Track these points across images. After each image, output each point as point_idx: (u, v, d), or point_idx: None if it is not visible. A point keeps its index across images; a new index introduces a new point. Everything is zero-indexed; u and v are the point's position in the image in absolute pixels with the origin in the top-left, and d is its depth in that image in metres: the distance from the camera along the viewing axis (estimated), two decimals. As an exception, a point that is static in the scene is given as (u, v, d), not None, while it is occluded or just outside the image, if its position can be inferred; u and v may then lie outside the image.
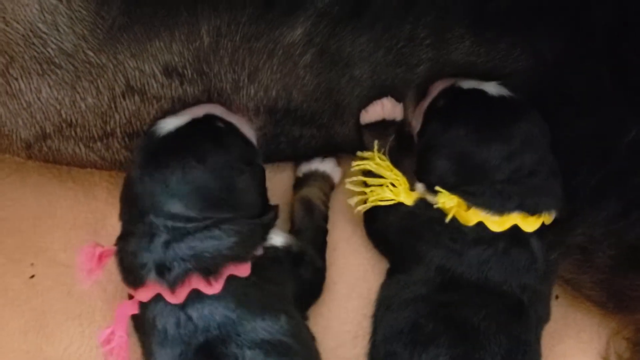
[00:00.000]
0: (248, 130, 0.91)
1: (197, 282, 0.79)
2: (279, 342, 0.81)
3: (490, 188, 0.85)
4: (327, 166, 0.99)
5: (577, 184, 0.89)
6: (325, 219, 0.97)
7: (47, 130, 0.90)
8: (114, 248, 0.83)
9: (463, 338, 0.85)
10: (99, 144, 0.92)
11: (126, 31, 0.83)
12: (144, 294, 0.81)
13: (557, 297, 1.00)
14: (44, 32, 0.82)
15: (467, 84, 0.91)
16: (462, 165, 0.87)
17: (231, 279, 0.81)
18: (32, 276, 0.97)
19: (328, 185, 0.99)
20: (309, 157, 1.00)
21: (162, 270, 0.79)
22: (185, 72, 0.87)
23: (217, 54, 0.87)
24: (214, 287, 0.80)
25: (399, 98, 0.96)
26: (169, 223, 0.80)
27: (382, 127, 0.95)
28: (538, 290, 0.88)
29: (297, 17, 0.85)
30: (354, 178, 0.94)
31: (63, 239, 0.98)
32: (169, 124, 0.85)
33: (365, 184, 0.93)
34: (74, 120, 0.89)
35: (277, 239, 0.87)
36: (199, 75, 0.88)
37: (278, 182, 1.01)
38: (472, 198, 0.86)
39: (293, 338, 0.83)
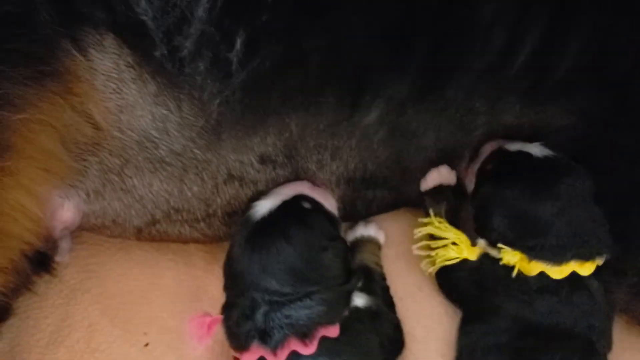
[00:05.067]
0: (331, 203, 0.98)
1: (294, 345, 0.87)
2: None
3: (547, 242, 0.91)
4: (370, 231, 1.06)
5: (626, 228, 0.93)
6: (384, 277, 1.03)
7: (157, 217, 0.97)
8: (220, 317, 0.91)
9: None
10: (201, 224, 0.99)
11: (229, 133, 0.90)
12: (249, 357, 0.88)
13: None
14: (156, 137, 0.89)
15: (513, 147, 0.97)
16: (517, 223, 0.92)
17: (324, 339, 0.88)
18: (147, 344, 1.00)
19: (376, 247, 1.06)
20: (380, 214, 1.08)
21: (263, 336, 0.87)
22: (277, 158, 0.94)
23: (303, 141, 0.94)
24: (310, 348, 0.88)
25: (455, 161, 1.02)
26: (267, 297, 0.88)
27: (439, 191, 1.01)
28: (603, 328, 0.93)
29: (372, 104, 0.91)
30: (420, 243, 1.00)
31: (170, 306, 1.02)
32: (263, 207, 0.92)
33: (430, 247, 0.98)
34: (180, 207, 0.96)
35: (359, 300, 0.95)
36: (288, 159, 0.95)
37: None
38: (532, 252, 0.91)
39: None
